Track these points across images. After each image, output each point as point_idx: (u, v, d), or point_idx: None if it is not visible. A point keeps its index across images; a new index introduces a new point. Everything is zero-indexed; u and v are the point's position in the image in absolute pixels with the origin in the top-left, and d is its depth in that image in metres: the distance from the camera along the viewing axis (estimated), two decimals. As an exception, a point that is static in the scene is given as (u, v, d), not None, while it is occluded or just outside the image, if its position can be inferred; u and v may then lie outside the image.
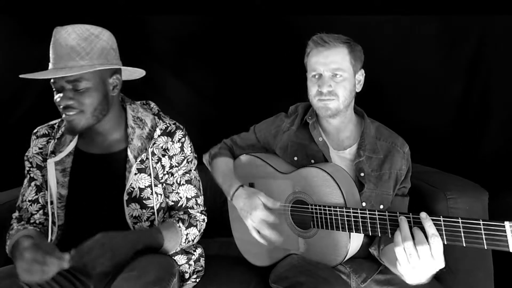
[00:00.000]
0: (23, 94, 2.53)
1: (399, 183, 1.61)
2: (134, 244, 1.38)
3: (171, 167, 1.61)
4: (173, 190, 1.63)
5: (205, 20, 2.57)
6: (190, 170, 1.67)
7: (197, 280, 1.68)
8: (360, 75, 1.63)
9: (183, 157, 1.63)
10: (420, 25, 2.37)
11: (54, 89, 1.46)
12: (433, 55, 2.38)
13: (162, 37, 2.58)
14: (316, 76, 1.59)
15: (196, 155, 1.72)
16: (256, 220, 1.54)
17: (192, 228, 1.60)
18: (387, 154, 1.62)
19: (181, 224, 1.57)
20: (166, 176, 1.61)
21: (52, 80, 1.44)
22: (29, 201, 1.61)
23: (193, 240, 1.62)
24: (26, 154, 1.64)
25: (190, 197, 1.65)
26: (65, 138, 1.60)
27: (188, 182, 1.66)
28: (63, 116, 1.46)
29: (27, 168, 1.64)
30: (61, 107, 1.43)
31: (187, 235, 1.57)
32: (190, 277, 1.63)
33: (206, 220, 1.69)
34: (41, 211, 1.60)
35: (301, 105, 1.81)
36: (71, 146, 1.59)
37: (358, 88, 1.64)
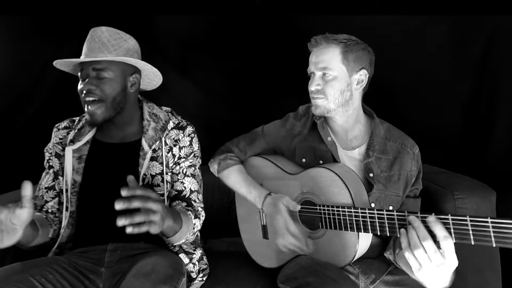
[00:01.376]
0: (33, 93, 2.55)
1: (410, 185, 1.61)
2: (171, 218, 1.37)
3: (179, 157, 1.71)
4: (178, 179, 1.70)
5: (213, 20, 2.59)
6: (195, 165, 1.75)
7: (204, 279, 1.69)
8: (361, 75, 1.61)
9: (191, 151, 1.74)
10: (429, 25, 2.37)
11: (80, 79, 1.63)
12: (442, 56, 2.38)
13: (170, 37, 2.60)
14: (309, 73, 1.65)
15: (200, 156, 1.80)
16: (280, 225, 1.59)
17: (197, 219, 1.64)
18: (397, 155, 1.62)
19: (190, 213, 1.61)
20: (174, 165, 1.70)
21: (79, 69, 1.63)
22: (45, 188, 1.71)
23: (194, 234, 1.65)
24: (46, 147, 1.76)
25: (193, 189, 1.71)
26: (84, 129, 1.74)
27: (193, 176, 1.73)
28: (85, 107, 1.60)
29: (46, 158, 1.75)
30: (84, 92, 1.58)
31: (194, 224, 1.61)
32: (197, 276, 1.65)
33: (203, 218, 1.72)
34: (56, 199, 1.70)
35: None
36: (89, 136, 1.73)
37: (357, 88, 1.62)
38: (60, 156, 1.73)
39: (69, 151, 1.69)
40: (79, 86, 1.62)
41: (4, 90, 2.54)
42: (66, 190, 1.65)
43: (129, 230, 1.15)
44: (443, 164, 2.11)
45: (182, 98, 2.61)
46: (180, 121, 1.78)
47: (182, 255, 1.62)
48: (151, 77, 1.79)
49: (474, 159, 2.30)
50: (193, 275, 1.64)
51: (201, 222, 1.69)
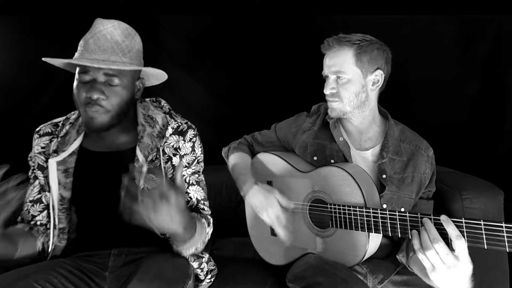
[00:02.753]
0: (38, 94, 2.54)
1: (423, 187, 1.60)
2: (185, 224, 1.29)
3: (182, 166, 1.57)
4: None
5: (219, 19, 2.58)
6: (199, 171, 1.63)
7: (212, 280, 1.66)
8: (376, 76, 1.59)
9: (193, 158, 1.59)
10: (436, 25, 2.37)
11: (79, 80, 1.42)
12: (450, 55, 2.38)
13: (175, 36, 2.59)
14: (324, 77, 1.64)
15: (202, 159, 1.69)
16: (272, 217, 1.57)
17: (209, 227, 1.56)
18: (411, 157, 1.61)
19: (204, 221, 1.52)
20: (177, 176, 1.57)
21: (80, 70, 1.42)
22: (30, 201, 1.56)
23: (204, 243, 1.56)
24: (30, 155, 1.60)
25: (200, 198, 1.60)
26: (69, 137, 1.55)
27: (198, 183, 1.61)
28: (85, 110, 1.41)
29: (31, 168, 1.59)
30: (90, 99, 1.39)
31: (207, 233, 1.53)
32: (205, 277, 1.61)
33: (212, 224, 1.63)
34: (44, 212, 1.55)
35: (324, 105, 1.79)
36: (75, 145, 1.54)
37: (373, 89, 1.60)
38: (43, 169, 1.55)
39: (52, 164, 1.49)
40: (82, 91, 1.40)
41: (9, 91, 2.52)
42: (53, 207, 1.50)
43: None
44: (450, 164, 2.11)
45: (188, 97, 2.60)
46: (180, 123, 1.59)
47: (190, 258, 1.54)
48: (152, 80, 1.64)
49: (482, 159, 2.31)
50: (201, 276, 1.59)
51: (211, 229, 1.61)
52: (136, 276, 1.28)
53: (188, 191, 1.57)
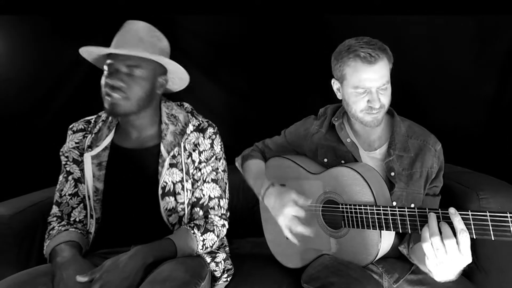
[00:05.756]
0: (57, 92, 2.59)
1: (429, 181, 1.60)
2: (144, 259, 1.37)
3: (200, 162, 1.65)
4: (197, 186, 1.65)
5: (237, 21, 2.62)
6: (218, 169, 1.68)
7: (228, 279, 1.69)
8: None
9: (212, 154, 1.66)
10: (453, 25, 2.37)
11: (107, 72, 1.54)
12: (466, 55, 2.38)
13: (195, 37, 2.64)
14: (361, 91, 1.53)
15: (225, 157, 1.73)
16: (288, 217, 1.54)
17: (209, 233, 1.58)
18: (419, 153, 1.61)
19: (196, 231, 1.55)
20: (194, 171, 1.65)
21: (109, 62, 1.53)
22: (69, 195, 1.65)
23: (211, 246, 1.61)
24: (61, 149, 1.69)
25: (213, 196, 1.65)
26: (101, 133, 1.66)
27: (214, 181, 1.66)
28: (106, 98, 1.52)
29: (63, 163, 1.68)
30: (111, 86, 1.51)
31: (203, 241, 1.56)
32: (221, 276, 1.64)
33: (226, 226, 1.68)
34: (81, 205, 1.65)
35: (330, 107, 1.82)
36: (107, 141, 1.65)
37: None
38: (78, 162, 1.66)
39: (88, 158, 1.61)
40: (105, 80, 1.53)
41: (28, 90, 2.59)
42: (89, 197, 1.60)
43: None
44: (467, 164, 2.10)
45: (207, 99, 2.64)
46: (201, 122, 1.69)
47: (204, 254, 1.60)
48: (176, 81, 1.72)
49: (498, 159, 2.28)
50: (217, 274, 1.62)
51: (219, 232, 1.64)
52: (147, 279, 1.31)
53: (203, 188, 1.65)
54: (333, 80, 1.67)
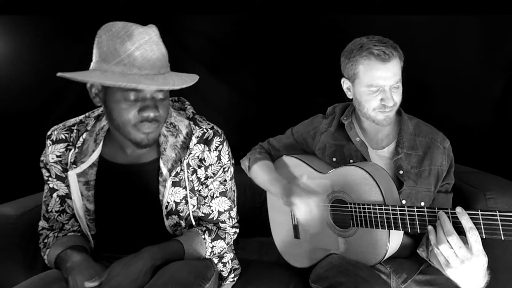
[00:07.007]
0: (63, 94, 2.59)
1: (441, 180, 1.60)
2: (154, 260, 1.32)
3: (207, 177, 1.51)
4: (205, 202, 1.54)
5: (242, 20, 2.62)
6: (226, 180, 1.56)
7: (235, 279, 1.68)
8: None
9: (219, 167, 1.51)
10: (460, 25, 2.38)
11: (124, 98, 1.26)
12: (473, 55, 2.38)
13: (201, 36, 2.63)
14: (375, 89, 1.52)
15: (233, 161, 1.61)
16: (311, 208, 1.45)
17: (219, 241, 1.53)
18: (427, 151, 1.61)
19: (206, 236, 1.49)
20: (201, 187, 1.51)
21: (142, 87, 1.23)
22: (56, 211, 1.52)
23: (219, 253, 1.56)
24: (42, 159, 1.50)
25: (223, 210, 1.56)
26: (87, 147, 1.45)
27: (223, 194, 1.55)
28: (137, 129, 1.31)
29: (45, 177, 1.51)
30: (147, 117, 1.29)
31: (212, 247, 1.51)
32: (228, 275, 1.63)
33: (237, 231, 1.64)
34: (72, 220, 1.53)
35: (339, 106, 1.82)
36: (94, 156, 1.44)
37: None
38: (63, 179, 1.47)
39: (73, 177, 1.41)
40: (133, 111, 1.27)
41: (34, 90, 2.59)
42: (79, 217, 1.47)
43: None
44: (474, 164, 2.10)
45: (213, 98, 2.64)
46: (205, 130, 1.47)
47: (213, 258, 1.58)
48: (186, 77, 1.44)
49: (506, 159, 2.28)
50: (224, 274, 1.61)
51: (230, 240, 1.59)
52: (150, 283, 1.28)
53: (211, 204, 1.54)
54: (343, 79, 1.66)
